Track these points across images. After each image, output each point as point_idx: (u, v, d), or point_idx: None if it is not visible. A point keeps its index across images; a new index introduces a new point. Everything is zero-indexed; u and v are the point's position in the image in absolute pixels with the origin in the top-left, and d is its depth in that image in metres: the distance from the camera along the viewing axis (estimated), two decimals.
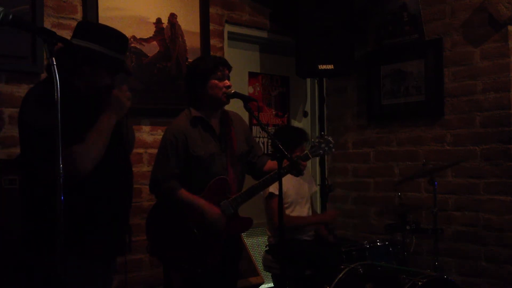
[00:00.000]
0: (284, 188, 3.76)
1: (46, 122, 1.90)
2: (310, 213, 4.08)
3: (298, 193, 3.96)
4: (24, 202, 2.14)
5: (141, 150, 3.64)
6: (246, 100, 2.88)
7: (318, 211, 4.66)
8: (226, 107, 3.07)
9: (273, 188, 3.61)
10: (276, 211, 3.66)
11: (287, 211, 3.84)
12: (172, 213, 2.87)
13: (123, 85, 2.21)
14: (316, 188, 4.45)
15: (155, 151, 3.59)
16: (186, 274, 2.89)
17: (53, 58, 1.68)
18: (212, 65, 2.90)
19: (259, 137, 4.69)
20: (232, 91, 2.91)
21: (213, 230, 2.87)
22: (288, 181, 3.87)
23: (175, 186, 2.84)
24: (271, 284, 4.06)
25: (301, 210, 3.96)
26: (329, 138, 3.01)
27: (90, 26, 2.27)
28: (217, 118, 2.99)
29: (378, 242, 3.51)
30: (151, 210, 2.94)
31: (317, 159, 4.73)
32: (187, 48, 3.93)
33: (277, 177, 2.80)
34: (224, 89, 2.90)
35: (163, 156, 2.87)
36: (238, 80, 4.42)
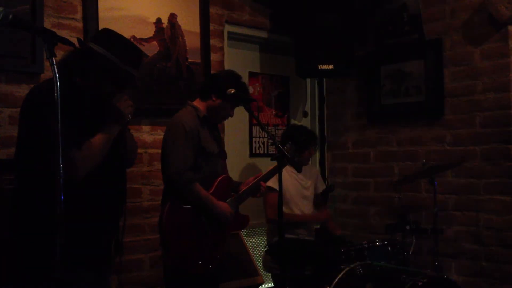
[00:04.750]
0: (283, 186, 3.80)
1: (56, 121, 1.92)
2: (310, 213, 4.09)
3: (297, 192, 3.97)
4: (20, 202, 2.15)
5: (141, 150, 3.64)
6: (246, 100, 2.94)
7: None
8: None
9: (272, 182, 3.62)
10: (270, 205, 3.76)
11: (284, 208, 3.82)
12: (187, 210, 2.89)
13: (123, 94, 2.21)
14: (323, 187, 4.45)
15: (155, 151, 3.61)
16: (199, 271, 2.90)
17: (53, 58, 1.68)
18: (244, 97, 3.04)
19: (259, 137, 4.69)
20: (232, 91, 2.96)
21: (224, 226, 3.00)
22: (289, 179, 3.89)
23: (192, 178, 2.88)
24: (271, 284, 4.06)
25: (299, 210, 3.96)
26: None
27: (111, 35, 2.27)
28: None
29: (377, 242, 3.51)
30: (166, 208, 2.87)
31: (317, 159, 4.74)
32: (187, 48, 3.93)
33: (274, 173, 3.15)
34: (227, 118, 3.18)
35: (180, 146, 2.88)
36: None
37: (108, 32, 2.41)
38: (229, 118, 3.19)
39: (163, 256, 3.03)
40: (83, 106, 2.10)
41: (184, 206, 2.89)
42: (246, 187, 3.14)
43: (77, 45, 2.13)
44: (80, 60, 2.14)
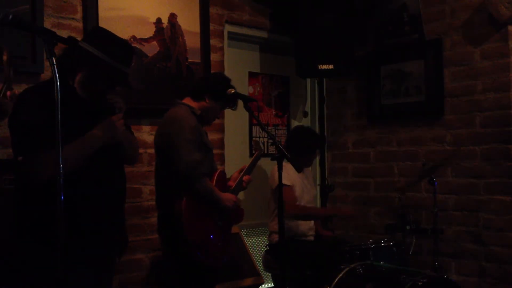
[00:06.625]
0: (292, 180, 3.82)
1: (32, 122, 1.93)
2: None
3: (303, 190, 3.97)
4: (16, 203, 2.15)
5: (141, 150, 3.63)
6: (246, 100, 2.98)
7: None
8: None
9: (285, 179, 3.63)
10: (289, 200, 3.71)
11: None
12: (201, 204, 2.92)
13: (121, 116, 2.23)
14: (315, 192, 4.45)
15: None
16: (216, 264, 2.97)
17: (53, 58, 1.68)
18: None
19: (259, 137, 4.70)
20: (232, 91, 3.00)
21: (230, 217, 3.09)
22: (295, 176, 3.90)
23: (204, 172, 2.95)
24: (271, 284, 4.06)
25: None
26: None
27: (101, 33, 2.28)
28: None
29: (382, 242, 3.50)
30: (183, 203, 2.85)
31: (317, 159, 4.74)
32: (187, 48, 3.93)
33: (254, 164, 3.36)
34: (216, 119, 3.29)
35: (189, 141, 2.88)
36: (238, 80, 4.41)
37: (98, 30, 2.41)
38: (230, 118, 3.22)
39: (175, 252, 2.99)
40: (72, 109, 2.08)
41: (199, 201, 2.91)
42: (234, 183, 3.21)
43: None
44: (71, 60, 2.14)
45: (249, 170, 3.31)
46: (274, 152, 4.53)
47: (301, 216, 3.81)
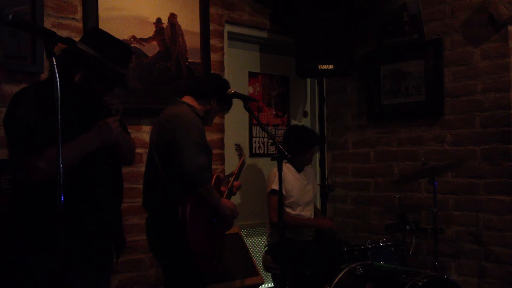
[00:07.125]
0: (288, 186, 3.82)
1: (26, 123, 1.95)
2: (312, 215, 4.08)
3: (301, 194, 3.97)
4: (12, 202, 2.15)
5: (141, 150, 3.63)
6: (246, 100, 2.96)
7: None
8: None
9: (275, 185, 3.62)
10: (274, 208, 3.72)
11: (288, 210, 3.84)
12: (203, 210, 2.89)
13: (117, 115, 2.22)
14: (318, 189, 4.46)
15: None
16: (214, 270, 2.95)
17: (53, 58, 1.68)
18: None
19: (259, 137, 4.70)
20: (232, 91, 2.99)
21: (228, 223, 3.08)
22: (293, 180, 3.90)
23: (210, 176, 2.94)
24: (271, 284, 4.06)
25: (303, 212, 3.96)
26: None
27: (98, 33, 2.27)
28: None
29: (380, 242, 3.50)
30: (188, 209, 2.78)
31: (317, 159, 4.74)
32: (187, 48, 3.93)
33: (241, 169, 3.38)
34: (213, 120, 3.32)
35: (197, 143, 2.81)
36: (238, 80, 4.42)
37: (96, 31, 2.41)
38: (230, 118, 3.21)
39: (174, 257, 2.94)
40: (69, 110, 2.07)
41: (201, 206, 2.87)
42: (225, 188, 3.20)
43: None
44: (69, 60, 2.13)
45: (238, 175, 3.31)
46: (274, 152, 4.53)
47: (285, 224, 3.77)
